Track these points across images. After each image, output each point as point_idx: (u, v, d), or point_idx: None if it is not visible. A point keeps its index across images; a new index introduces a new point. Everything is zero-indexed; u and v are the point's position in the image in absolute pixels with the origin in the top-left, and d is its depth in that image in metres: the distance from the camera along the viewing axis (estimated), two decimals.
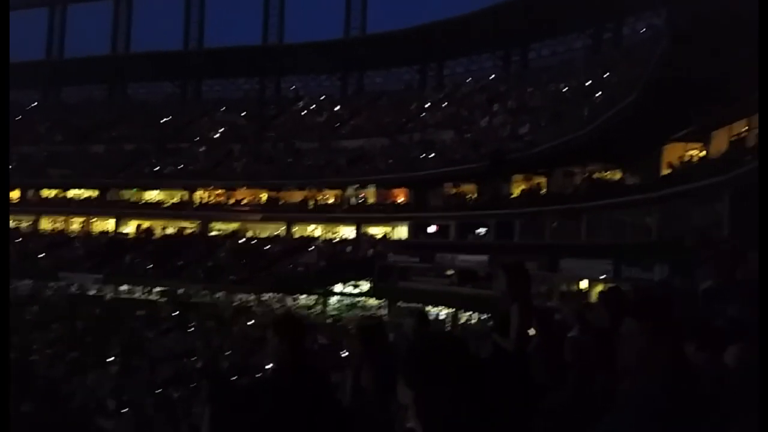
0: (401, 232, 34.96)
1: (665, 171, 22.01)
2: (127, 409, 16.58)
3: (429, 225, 33.71)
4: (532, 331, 4.36)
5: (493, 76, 41.87)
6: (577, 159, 26.76)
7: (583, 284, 23.91)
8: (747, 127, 18.28)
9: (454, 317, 29.25)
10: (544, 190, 29.91)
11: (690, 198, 19.62)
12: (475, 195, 33.30)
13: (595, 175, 27.23)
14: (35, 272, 37.08)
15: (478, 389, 1.59)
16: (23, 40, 58.39)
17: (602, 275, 21.28)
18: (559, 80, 34.61)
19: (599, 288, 19.55)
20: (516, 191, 31.62)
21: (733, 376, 3.03)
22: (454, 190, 34.43)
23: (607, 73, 30.34)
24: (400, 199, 37.13)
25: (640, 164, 23.67)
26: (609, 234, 24.13)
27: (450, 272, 30.31)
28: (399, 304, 29.73)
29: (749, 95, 16.38)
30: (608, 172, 26.74)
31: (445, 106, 40.71)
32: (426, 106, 41.62)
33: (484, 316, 25.40)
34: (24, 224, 43.79)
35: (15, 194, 44.89)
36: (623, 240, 22.85)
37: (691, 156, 21.22)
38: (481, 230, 31.39)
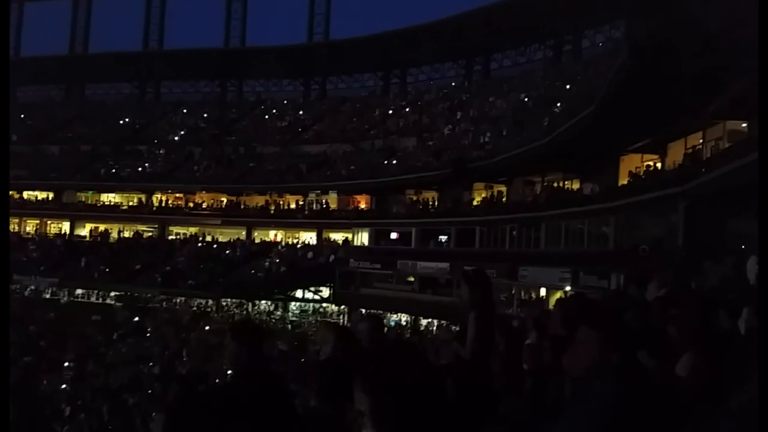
0: (363, 238, 34.95)
1: (622, 181, 22.55)
2: (82, 415, 16.18)
3: (390, 231, 33.79)
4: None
5: (453, 84, 42.30)
6: (537, 168, 27.17)
7: (542, 291, 24.25)
8: (702, 140, 18.88)
9: (415, 324, 29.35)
10: (504, 199, 30.29)
11: (646, 208, 20.13)
12: (437, 202, 33.52)
13: (554, 185, 27.70)
14: None
15: (434, 396, 1.60)
16: None
17: (560, 283, 21.62)
18: (520, 90, 35.18)
19: (557, 295, 19.92)
20: (477, 199, 31.93)
21: (685, 383, 3.12)
22: (415, 197, 34.60)
23: (567, 85, 30.99)
24: (362, 205, 37.13)
25: (598, 174, 24.22)
26: (567, 242, 24.58)
27: (411, 279, 30.41)
28: (360, 310, 29.68)
29: (704, 108, 16.95)
30: (567, 182, 27.24)
31: (408, 113, 40.94)
32: (389, 112, 41.78)
33: (445, 323, 25.56)
34: None
35: None
36: (581, 248, 23.31)
37: (648, 167, 21.80)
38: (442, 237, 31.61)
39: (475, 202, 31.80)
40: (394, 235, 33.60)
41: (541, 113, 29.20)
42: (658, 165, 21.38)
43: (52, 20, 54.21)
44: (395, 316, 29.81)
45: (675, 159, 20.11)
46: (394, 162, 35.62)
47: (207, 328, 28.20)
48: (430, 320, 28.55)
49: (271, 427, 3.17)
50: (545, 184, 28.18)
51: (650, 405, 2.10)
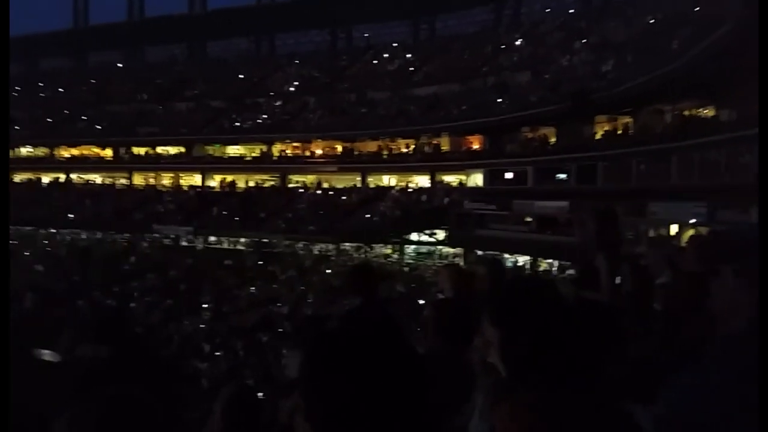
0: (477, 179, 34.51)
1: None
2: (220, 352, 17.52)
3: (505, 171, 33.04)
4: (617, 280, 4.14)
5: (572, 11, 39.83)
6: (666, 96, 25.30)
7: (673, 228, 22.95)
8: None
9: (533, 265, 28.86)
10: (630, 131, 28.60)
11: None
12: (555, 139, 32.26)
13: (686, 113, 25.70)
14: (131, 226, 39.34)
15: (563, 333, 1.59)
16: (104, 3, 60.42)
17: (694, 219, 20.30)
18: (645, 12, 32.51)
19: (691, 232, 18.69)
20: (599, 133, 30.38)
21: None
22: (531, 135, 33.46)
23: (698, 3, 28.19)
24: (475, 146, 36.51)
25: (736, 99, 22.06)
26: (702, 175, 22.85)
27: (529, 219, 29.78)
28: (476, 252, 29.60)
29: None
30: (701, 109, 25.17)
31: (522, 46, 39.22)
32: (501, 47, 40.26)
33: (565, 264, 24.94)
34: (118, 181, 46.28)
35: (108, 152, 47.38)
36: (717, 181, 21.60)
37: None
38: (562, 175, 30.48)
39: (597, 136, 30.28)
40: (509, 175, 32.87)
41: (670, 36, 26.90)
42: None
43: None
44: (513, 257, 29.46)
45: None
46: (508, 99, 34.48)
47: (328, 271, 29.37)
48: (550, 261, 27.95)
49: (391, 365, 3.20)
50: (676, 112, 26.20)
51: None
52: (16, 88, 56.11)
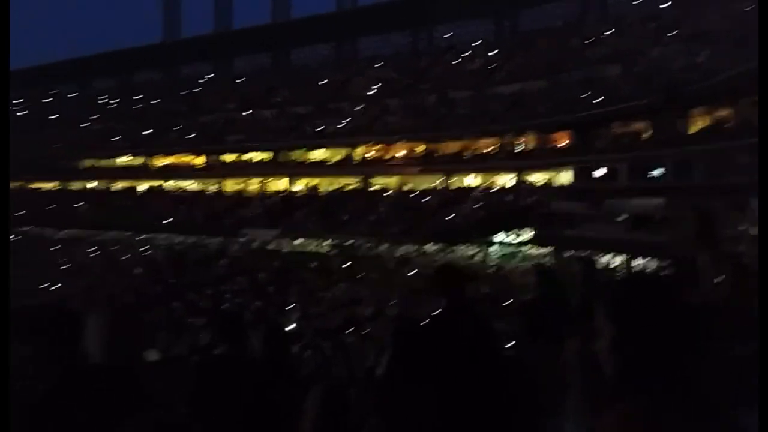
0: (565, 177, 33.56)
1: None
2: (308, 351, 17.87)
3: (595, 168, 31.95)
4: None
5: (667, 4, 38.05)
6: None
7: None
8: None
9: (628, 265, 27.74)
10: (727, 124, 26.99)
11: None
12: (648, 133, 30.92)
13: None
14: (222, 230, 40.97)
15: (682, 335, 1.53)
16: (193, 17, 63.23)
17: None
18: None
19: None
20: (695, 126, 28.87)
21: None
22: (622, 130, 32.21)
23: None
24: (562, 143, 35.54)
25: None
26: None
27: (621, 218, 28.66)
28: (565, 252, 28.75)
29: None
30: None
31: (610, 39, 37.85)
32: (587, 41, 39.00)
33: (662, 263, 23.82)
34: (210, 187, 48.32)
35: (200, 160, 49.60)
36: None
37: None
38: (657, 171, 29.17)
39: (693, 130, 28.78)
40: (599, 172, 31.78)
41: None
42: None
43: None
44: (605, 257, 28.43)
45: None
46: (596, 94, 33.34)
47: (412, 272, 29.36)
48: (645, 260, 26.78)
49: (477, 365, 3.15)
50: None
51: None
52: (113, 101, 59.91)
